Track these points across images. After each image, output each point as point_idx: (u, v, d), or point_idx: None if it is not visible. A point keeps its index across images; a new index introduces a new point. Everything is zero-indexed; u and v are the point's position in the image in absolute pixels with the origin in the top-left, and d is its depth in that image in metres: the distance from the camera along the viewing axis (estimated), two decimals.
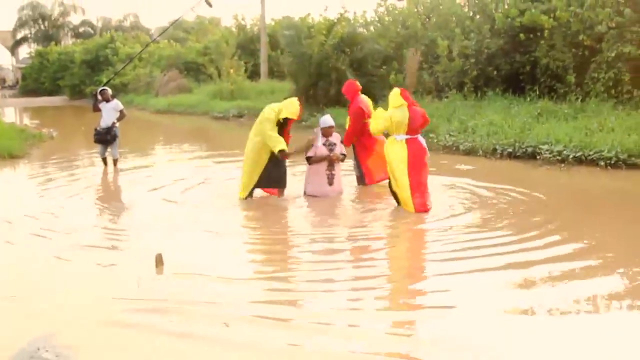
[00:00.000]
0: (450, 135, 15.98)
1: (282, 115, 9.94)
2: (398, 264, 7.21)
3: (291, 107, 9.97)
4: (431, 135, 15.77)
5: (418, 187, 9.17)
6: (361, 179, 11.16)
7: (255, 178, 10.14)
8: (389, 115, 9.38)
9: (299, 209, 9.86)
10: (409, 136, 9.30)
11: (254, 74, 34.86)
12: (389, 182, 9.64)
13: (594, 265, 6.60)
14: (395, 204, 9.55)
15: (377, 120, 9.70)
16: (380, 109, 9.92)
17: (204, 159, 16.40)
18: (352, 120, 10.97)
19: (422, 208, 9.09)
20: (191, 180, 12.42)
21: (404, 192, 9.21)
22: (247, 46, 37.59)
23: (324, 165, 10.31)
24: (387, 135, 9.75)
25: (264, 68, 33.85)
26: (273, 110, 10.00)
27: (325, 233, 8.31)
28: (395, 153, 9.30)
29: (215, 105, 30.51)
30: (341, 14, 25.14)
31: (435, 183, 10.29)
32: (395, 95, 9.45)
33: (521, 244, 7.33)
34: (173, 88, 37.50)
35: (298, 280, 6.52)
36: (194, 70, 39.63)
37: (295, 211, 9.81)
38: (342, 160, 10.53)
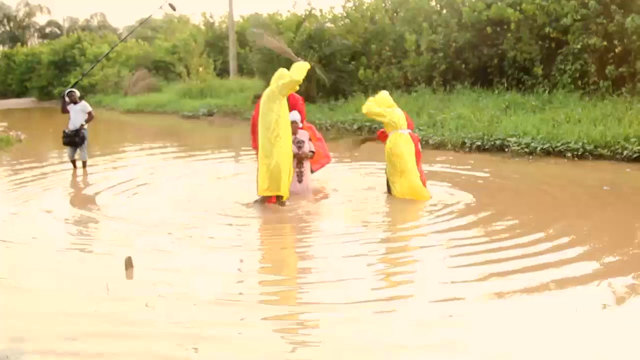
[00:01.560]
0: (419, 129, 16.01)
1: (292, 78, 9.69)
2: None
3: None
4: None
5: (423, 176, 9.72)
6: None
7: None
8: (385, 112, 9.83)
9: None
10: (409, 130, 9.79)
11: (223, 72, 34.76)
12: (386, 171, 9.85)
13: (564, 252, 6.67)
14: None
15: (374, 107, 9.99)
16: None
17: (175, 158, 16.32)
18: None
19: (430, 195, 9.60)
20: (163, 181, 12.34)
21: (417, 181, 9.57)
22: (215, 44, 37.49)
23: (292, 163, 10.26)
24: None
25: (233, 66, 33.74)
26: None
27: (305, 235, 8.30)
28: (405, 146, 9.61)
29: (185, 104, 30.37)
30: (309, 10, 25.11)
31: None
32: (386, 98, 9.93)
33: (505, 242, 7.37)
34: (142, 87, 37.25)
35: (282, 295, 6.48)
36: (162, 69, 39.41)
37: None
38: (311, 158, 10.50)
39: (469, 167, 12.32)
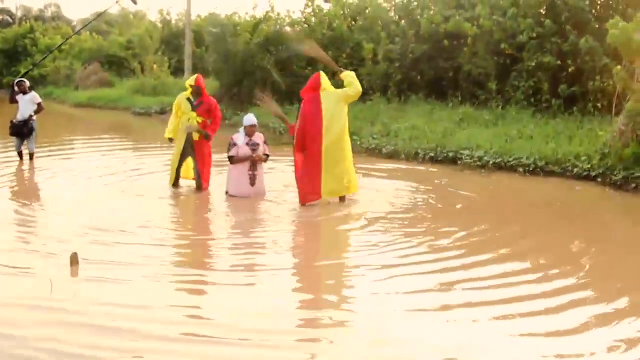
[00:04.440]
0: (373, 138, 16.04)
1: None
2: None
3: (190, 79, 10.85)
4: (355, 137, 15.73)
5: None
6: None
7: None
8: None
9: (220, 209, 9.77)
10: None
11: (177, 71, 34.38)
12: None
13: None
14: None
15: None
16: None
17: (124, 152, 16.08)
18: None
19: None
20: (111, 175, 12.21)
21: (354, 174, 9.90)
22: (171, 42, 37.07)
23: (246, 166, 10.21)
24: None
25: (188, 65, 33.39)
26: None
27: (244, 238, 8.25)
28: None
29: (137, 100, 29.95)
30: (267, 12, 25.03)
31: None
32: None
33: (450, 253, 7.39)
34: (94, 82, 36.63)
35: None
36: (116, 65, 38.80)
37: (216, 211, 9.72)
38: (265, 161, 10.47)
39: (421, 178, 12.34)
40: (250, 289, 6.36)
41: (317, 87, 9.78)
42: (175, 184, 10.89)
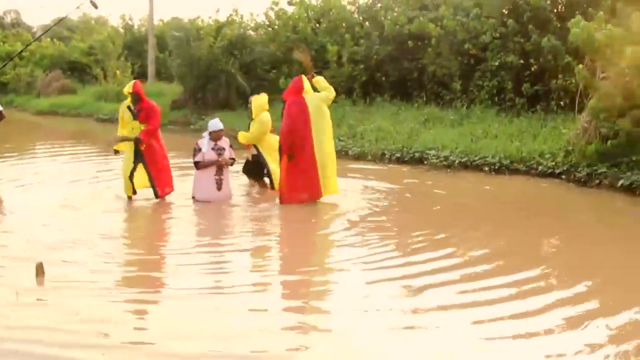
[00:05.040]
0: (339, 140, 16.00)
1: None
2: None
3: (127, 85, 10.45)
4: None
5: None
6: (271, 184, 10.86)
7: None
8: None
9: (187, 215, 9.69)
10: None
11: (141, 76, 34.03)
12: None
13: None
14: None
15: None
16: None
17: (86, 160, 15.89)
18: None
19: None
20: (74, 183, 12.04)
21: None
22: (134, 47, 36.71)
23: (212, 170, 10.14)
24: None
25: (151, 70, 33.14)
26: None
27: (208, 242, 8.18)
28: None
29: (100, 107, 29.60)
30: (230, 16, 24.93)
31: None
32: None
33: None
34: (56, 89, 36.15)
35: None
36: (78, 71, 38.36)
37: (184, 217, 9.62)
38: (231, 165, 10.42)
39: (388, 178, 12.35)
40: (207, 308, 5.87)
41: (300, 89, 9.95)
42: (130, 194, 10.36)
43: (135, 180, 10.28)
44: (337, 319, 5.58)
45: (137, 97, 10.23)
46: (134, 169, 10.24)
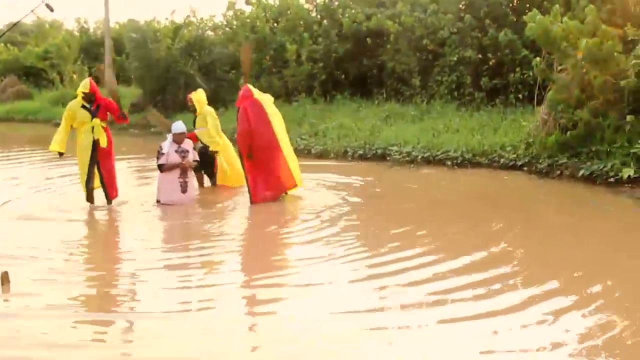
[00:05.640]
0: (301, 138, 16.02)
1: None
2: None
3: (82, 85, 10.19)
4: None
5: None
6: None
7: None
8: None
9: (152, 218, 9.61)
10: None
11: (98, 79, 33.75)
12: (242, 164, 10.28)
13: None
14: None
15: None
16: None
17: (44, 167, 15.68)
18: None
19: None
20: (31, 190, 11.88)
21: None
22: (90, 50, 36.30)
23: (176, 173, 10.08)
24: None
25: (108, 73, 32.78)
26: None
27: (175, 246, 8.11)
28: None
29: (58, 111, 29.13)
30: (187, 17, 24.81)
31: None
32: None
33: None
34: (11, 94, 35.60)
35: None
36: (34, 76, 37.81)
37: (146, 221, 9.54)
38: (195, 167, 10.40)
39: (351, 175, 12.38)
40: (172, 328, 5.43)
41: (250, 94, 10.17)
42: (90, 199, 10.17)
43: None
44: (304, 321, 5.44)
45: (93, 96, 10.07)
46: (92, 172, 10.05)
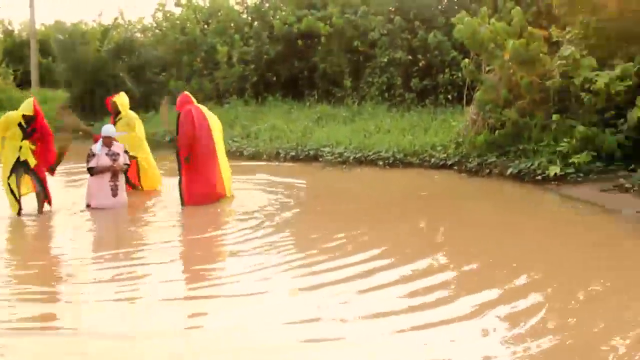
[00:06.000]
0: (233, 140, 15.93)
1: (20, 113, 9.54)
2: None
3: (25, 105, 9.66)
4: None
5: None
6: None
7: None
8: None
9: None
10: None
11: (24, 83, 32.96)
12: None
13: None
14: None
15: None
16: None
17: None
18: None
19: None
20: None
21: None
22: (15, 52, 35.44)
23: (107, 176, 9.88)
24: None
25: (34, 76, 32.03)
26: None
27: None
28: None
29: None
30: (115, 19, 24.44)
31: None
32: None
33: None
34: None
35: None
36: None
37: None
38: (126, 171, 10.22)
39: (284, 176, 12.34)
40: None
41: (191, 100, 10.36)
42: (19, 211, 9.63)
43: (21, 189, 9.70)
44: (253, 332, 5.16)
45: (33, 119, 9.58)
46: (18, 182, 9.59)
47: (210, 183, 10.11)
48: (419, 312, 5.36)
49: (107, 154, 9.88)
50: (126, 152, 10.17)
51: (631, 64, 10.33)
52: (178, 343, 5.04)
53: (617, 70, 10.30)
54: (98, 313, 5.66)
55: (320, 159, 13.69)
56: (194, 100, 10.47)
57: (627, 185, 9.37)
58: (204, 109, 10.42)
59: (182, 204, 9.97)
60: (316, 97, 19.03)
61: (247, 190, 11.03)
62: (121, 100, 11.30)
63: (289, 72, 20.14)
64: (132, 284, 6.45)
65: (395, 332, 5.00)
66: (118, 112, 11.24)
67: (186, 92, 10.65)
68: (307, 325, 5.24)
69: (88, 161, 9.86)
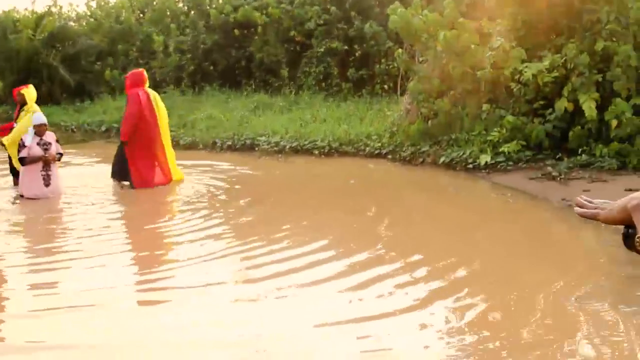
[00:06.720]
0: (170, 130, 15.80)
1: None
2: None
3: None
4: None
5: None
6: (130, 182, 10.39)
7: None
8: None
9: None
10: None
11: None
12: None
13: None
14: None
15: None
16: None
17: None
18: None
19: None
20: None
21: None
22: None
23: (39, 166, 9.73)
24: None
25: None
26: None
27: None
28: None
29: None
30: (49, 7, 24.02)
31: None
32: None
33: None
34: None
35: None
36: None
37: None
38: (59, 160, 10.06)
39: (220, 166, 12.36)
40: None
41: (144, 82, 10.53)
42: None
43: None
44: (182, 328, 5.03)
45: None
46: None
47: (153, 165, 10.34)
48: (360, 304, 5.38)
49: (38, 144, 9.73)
50: (57, 141, 10.05)
51: (559, 55, 10.60)
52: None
53: (546, 62, 10.56)
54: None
55: (257, 148, 13.71)
56: (146, 81, 10.59)
57: (554, 174, 9.64)
58: (153, 93, 10.54)
59: (132, 187, 10.23)
60: (253, 86, 19.04)
61: (186, 180, 10.94)
62: (30, 93, 10.76)
63: (226, 62, 20.09)
64: (70, 276, 6.45)
65: (335, 323, 4.98)
66: (24, 104, 10.87)
67: (142, 70, 10.84)
68: (245, 321, 5.12)
69: (19, 151, 9.70)
